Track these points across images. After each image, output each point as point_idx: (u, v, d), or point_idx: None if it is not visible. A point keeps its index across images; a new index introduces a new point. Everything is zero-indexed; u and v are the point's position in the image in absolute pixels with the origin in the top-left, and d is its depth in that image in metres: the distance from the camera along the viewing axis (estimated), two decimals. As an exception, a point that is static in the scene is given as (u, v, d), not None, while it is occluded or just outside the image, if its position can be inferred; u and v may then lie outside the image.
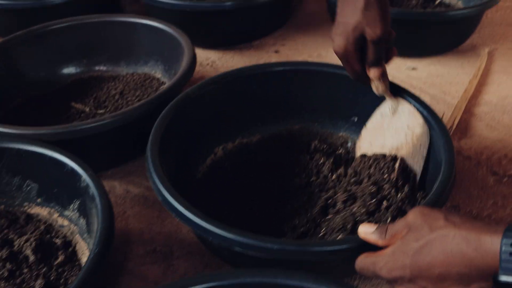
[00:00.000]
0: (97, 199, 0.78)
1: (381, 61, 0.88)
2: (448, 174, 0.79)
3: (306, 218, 0.86)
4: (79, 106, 1.16)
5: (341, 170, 0.92)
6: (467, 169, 1.01)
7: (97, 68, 1.28)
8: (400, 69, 1.29)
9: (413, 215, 0.65)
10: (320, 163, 0.96)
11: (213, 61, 1.36)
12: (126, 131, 0.98)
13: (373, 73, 0.88)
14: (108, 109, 1.14)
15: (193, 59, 1.08)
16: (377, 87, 0.90)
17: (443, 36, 1.29)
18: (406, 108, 0.91)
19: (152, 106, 0.96)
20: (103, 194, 0.79)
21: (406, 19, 1.24)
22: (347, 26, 0.84)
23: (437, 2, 1.48)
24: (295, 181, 0.94)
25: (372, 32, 0.82)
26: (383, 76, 0.89)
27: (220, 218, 0.76)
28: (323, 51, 1.39)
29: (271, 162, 0.99)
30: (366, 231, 0.69)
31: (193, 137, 0.96)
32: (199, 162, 0.97)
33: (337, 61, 0.91)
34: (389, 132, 0.91)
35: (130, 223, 0.94)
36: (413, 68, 1.29)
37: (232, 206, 0.89)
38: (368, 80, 0.90)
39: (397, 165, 0.87)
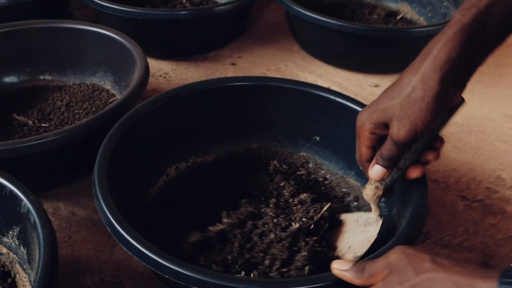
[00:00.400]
0: (39, 228, 0.70)
1: (392, 164, 0.72)
2: (422, 203, 0.74)
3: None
4: (21, 118, 1.07)
5: (304, 195, 0.86)
6: (435, 193, 0.97)
7: (41, 77, 1.20)
8: (362, 86, 1.25)
9: (395, 255, 0.60)
10: (280, 185, 0.90)
11: (166, 73, 1.30)
12: (73, 148, 0.90)
13: (373, 172, 0.73)
14: (53, 122, 1.07)
15: (146, 72, 1.01)
16: (365, 188, 0.76)
17: (406, 53, 1.25)
18: (372, 231, 0.77)
19: (101, 122, 0.89)
20: (45, 221, 0.71)
21: (367, 35, 1.20)
22: (379, 104, 0.70)
23: (398, 17, 1.44)
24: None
25: (394, 130, 0.67)
26: (382, 183, 0.74)
27: (172, 247, 0.70)
28: (282, 64, 1.34)
29: (227, 184, 0.93)
30: (341, 267, 0.63)
31: (144, 156, 0.89)
32: (150, 183, 0.90)
33: (297, 76, 0.84)
34: (343, 237, 0.81)
35: (76, 249, 0.87)
36: (376, 85, 1.25)
37: (185, 232, 0.83)
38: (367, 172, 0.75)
39: (324, 208, 0.82)
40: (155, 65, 1.31)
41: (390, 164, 0.71)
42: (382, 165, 0.71)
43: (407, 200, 0.78)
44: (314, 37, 1.32)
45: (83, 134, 0.87)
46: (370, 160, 0.74)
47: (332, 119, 0.93)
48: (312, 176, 0.96)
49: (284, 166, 0.96)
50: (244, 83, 0.96)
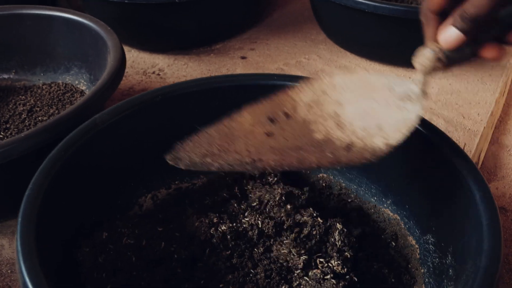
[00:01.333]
0: None
1: (473, 30, 0.52)
2: (495, 255, 0.50)
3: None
4: (-29, 128, 0.86)
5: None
6: (502, 226, 0.71)
7: (5, 76, 0.99)
8: (403, 83, 0.99)
9: None
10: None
11: (160, 69, 1.06)
12: (11, 171, 0.68)
13: (446, 36, 0.53)
14: (8, 133, 0.84)
15: (120, 66, 0.78)
16: (420, 55, 0.56)
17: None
18: (411, 112, 0.57)
19: (47, 137, 0.66)
20: None
21: (409, 18, 0.94)
22: None
23: (447, -3, 1.18)
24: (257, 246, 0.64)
25: None
26: (446, 55, 0.55)
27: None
28: (303, 57, 1.10)
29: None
30: None
31: (104, 184, 0.66)
32: (115, 219, 0.66)
33: (321, 72, 0.62)
34: (370, 107, 0.60)
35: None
36: (420, 82, 1.00)
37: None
38: (432, 30, 0.55)
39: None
40: (148, 60, 1.08)
41: (471, 28, 0.51)
42: (461, 29, 0.52)
43: (470, 244, 0.54)
44: (344, 22, 1.07)
45: (20, 152, 0.64)
46: (440, 14, 0.54)
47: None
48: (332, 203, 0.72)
49: (298, 192, 0.71)
50: (240, 84, 0.72)
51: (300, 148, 0.59)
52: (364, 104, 0.60)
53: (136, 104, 0.67)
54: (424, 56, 0.55)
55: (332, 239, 0.61)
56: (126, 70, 1.00)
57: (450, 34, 0.53)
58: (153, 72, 1.05)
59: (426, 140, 0.63)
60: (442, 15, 0.54)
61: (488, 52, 0.54)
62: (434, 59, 0.55)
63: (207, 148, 0.59)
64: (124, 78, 0.97)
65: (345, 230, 0.61)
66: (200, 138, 0.60)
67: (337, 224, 0.62)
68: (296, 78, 0.72)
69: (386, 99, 0.59)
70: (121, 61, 0.79)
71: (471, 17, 0.51)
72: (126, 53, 0.87)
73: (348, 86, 0.62)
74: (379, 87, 0.60)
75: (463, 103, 0.94)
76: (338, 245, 0.60)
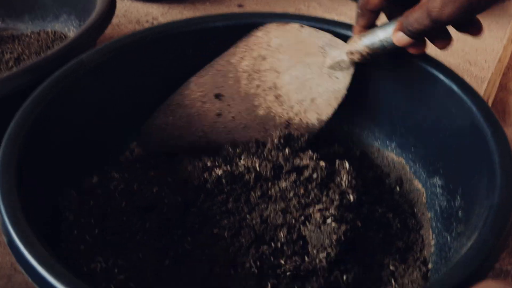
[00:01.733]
0: None
1: (421, 38, 0.56)
2: (509, 193, 0.46)
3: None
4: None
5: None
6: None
7: (-8, 25, 0.95)
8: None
9: None
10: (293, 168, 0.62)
11: (154, 18, 1.02)
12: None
13: (399, 39, 0.56)
14: (-6, 81, 0.81)
15: (109, 7, 0.74)
16: (356, 41, 0.60)
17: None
18: (341, 83, 0.63)
19: (29, 79, 0.62)
20: None
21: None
22: None
23: None
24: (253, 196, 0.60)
25: (436, 4, 0.50)
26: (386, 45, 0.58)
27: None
28: (303, 5, 1.06)
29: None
30: None
31: (92, 127, 0.62)
32: (106, 165, 0.63)
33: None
34: (305, 76, 0.64)
35: None
36: (425, 29, 0.96)
37: (154, 246, 0.56)
38: (365, 22, 0.60)
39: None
40: (141, 9, 1.04)
41: (419, 37, 0.56)
42: (408, 36, 0.55)
43: (481, 183, 0.50)
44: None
45: (1, 95, 0.61)
46: (377, 11, 0.59)
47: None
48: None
49: (297, 134, 0.67)
50: (239, 22, 0.68)
51: (246, 126, 0.64)
52: (299, 72, 0.64)
53: (126, 44, 0.64)
54: (354, 49, 0.60)
55: (338, 179, 0.57)
56: (119, 19, 0.96)
57: (401, 38, 0.56)
58: (147, 21, 1.00)
59: (433, 77, 0.59)
60: (377, 12, 0.59)
61: (438, 43, 0.57)
62: (363, 54, 0.59)
63: (169, 131, 0.65)
64: (116, 27, 0.94)
65: (353, 170, 0.58)
66: (162, 119, 0.65)
67: (345, 163, 0.58)
68: (295, 17, 0.68)
69: (319, 67, 0.63)
70: (111, 2, 0.75)
71: (415, 31, 0.54)
72: (119, 2, 0.83)
73: (283, 46, 0.65)
74: (313, 50, 0.63)
75: (470, 50, 0.90)
76: (343, 186, 0.57)
